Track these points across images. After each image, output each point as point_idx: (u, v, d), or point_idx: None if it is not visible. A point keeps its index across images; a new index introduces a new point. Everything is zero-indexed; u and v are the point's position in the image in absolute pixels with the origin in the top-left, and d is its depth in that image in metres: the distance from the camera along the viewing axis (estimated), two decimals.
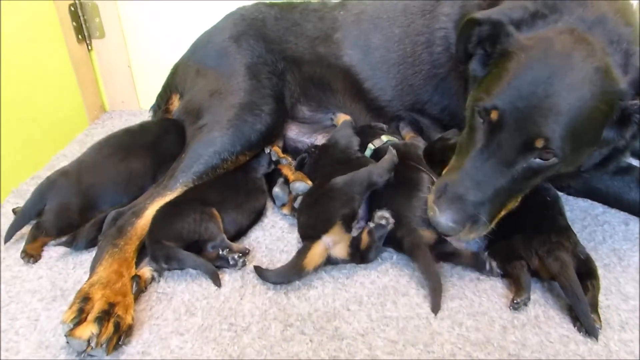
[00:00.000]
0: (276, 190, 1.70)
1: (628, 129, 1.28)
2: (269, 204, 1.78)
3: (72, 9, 2.37)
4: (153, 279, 1.44)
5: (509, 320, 1.29)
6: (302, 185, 1.68)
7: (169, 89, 2.09)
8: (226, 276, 1.45)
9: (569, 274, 1.26)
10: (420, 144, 1.77)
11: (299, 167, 1.82)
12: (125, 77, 2.60)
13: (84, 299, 1.26)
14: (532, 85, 1.23)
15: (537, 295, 1.36)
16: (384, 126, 1.89)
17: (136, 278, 1.38)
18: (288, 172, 1.77)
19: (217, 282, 1.41)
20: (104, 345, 1.18)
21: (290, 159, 1.85)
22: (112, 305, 1.25)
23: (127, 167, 1.71)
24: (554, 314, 1.31)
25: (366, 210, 1.54)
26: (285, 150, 1.94)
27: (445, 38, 1.71)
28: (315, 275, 1.44)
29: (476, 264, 1.43)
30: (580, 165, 1.41)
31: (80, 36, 2.43)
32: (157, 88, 2.16)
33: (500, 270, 1.40)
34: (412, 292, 1.39)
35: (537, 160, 1.26)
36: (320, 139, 1.98)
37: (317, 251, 1.41)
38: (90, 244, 1.54)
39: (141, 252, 1.49)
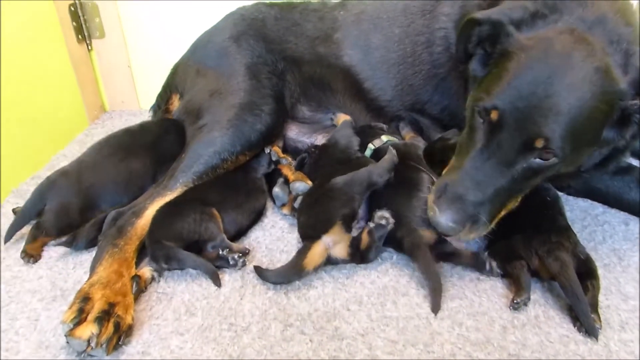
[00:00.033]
0: (276, 190, 1.70)
1: (628, 129, 1.28)
2: (269, 204, 1.78)
3: (72, 8, 2.37)
4: (153, 279, 1.44)
5: (509, 320, 1.29)
6: (302, 185, 1.68)
7: (169, 89, 2.09)
8: (226, 276, 1.45)
9: (569, 274, 1.26)
10: (420, 144, 1.77)
11: (299, 167, 1.82)
12: (125, 77, 2.60)
13: (84, 299, 1.25)
14: (532, 85, 1.23)
15: (537, 295, 1.36)
16: (384, 126, 1.89)
17: (136, 278, 1.38)
18: (288, 172, 1.77)
19: (217, 282, 1.41)
20: (104, 345, 1.18)
21: (290, 159, 1.85)
22: (112, 305, 1.25)
23: (127, 167, 1.70)
24: (554, 314, 1.31)
25: (366, 210, 1.54)
26: (285, 150, 1.94)
27: (445, 38, 1.71)
28: (315, 275, 1.44)
29: (476, 264, 1.43)
30: (581, 165, 1.41)
31: (80, 36, 2.43)
32: (157, 88, 2.16)
33: (500, 270, 1.40)
34: (412, 292, 1.39)
35: (537, 160, 1.26)
36: (320, 139, 1.98)
37: (317, 251, 1.41)
38: (90, 244, 1.54)
39: (141, 252, 1.49)
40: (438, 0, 1.76)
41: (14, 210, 1.68)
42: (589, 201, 1.76)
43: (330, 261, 1.44)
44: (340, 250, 1.43)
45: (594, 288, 1.30)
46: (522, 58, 1.28)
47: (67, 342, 1.19)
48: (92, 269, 1.40)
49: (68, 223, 1.56)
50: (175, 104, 2.04)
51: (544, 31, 1.32)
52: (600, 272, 1.36)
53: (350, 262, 1.46)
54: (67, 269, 1.50)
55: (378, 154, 1.68)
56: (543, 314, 1.31)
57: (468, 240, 1.49)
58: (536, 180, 1.36)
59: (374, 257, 1.48)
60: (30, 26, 2.10)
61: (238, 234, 1.61)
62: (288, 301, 1.37)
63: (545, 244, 1.34)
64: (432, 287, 1.35)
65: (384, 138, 1.76)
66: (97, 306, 1.24)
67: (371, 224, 1.42)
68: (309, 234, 1.45)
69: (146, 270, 1.44)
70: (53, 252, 1.56)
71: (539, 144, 1.22)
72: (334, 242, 1.42)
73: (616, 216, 1.69)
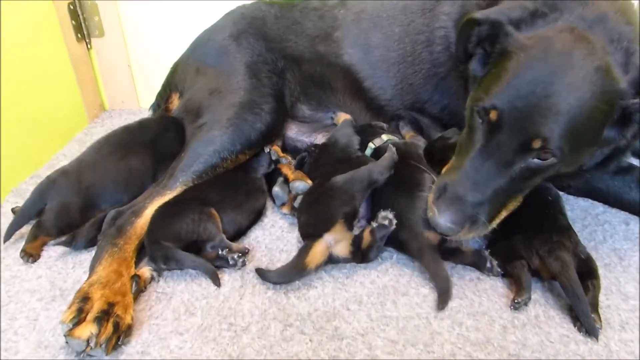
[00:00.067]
0: (276, 189, 1.70)
1: (629, 128, 1.28)
2: (269, 203, 1.77)
3: (71, 7, 2.36)
4: (152, 278, 1.44)
5: (509, 320, 1.29)
6: (301, 184, 1.67)
7: (169, 87, 2.09)
8: (225, 276, 1.45)
9: (570, 273, 1.26)
10: (421, 142, 1.76)
11: (299, 166, 1.82)
12: (125, 76, 2.60)
13: (83, 298, 1.25)
14: (531, 85, 1.22)
15: (537, 295, 1.36)
16: (384, 125, 1.88)
17: (135, 278, 1.38)
18: (288, 171, 1.77)
19: (217, 281, 1.41)
20: (103, 345, 1.18)
21: (290, 158, 1.84)
22: (111, 305, 1.25)
23: (127, 165, 1.70)
24: (554, 314, 1.31)
25: (367, 210, 1.54)
26: (284, 149, 1.94)
27: (445, 37, 1.71)
28: (315, 275, 1.44)
29: (478, 262, 1.42)
30: (582, 165, 1.41)
31: (79, 35, 2.43)
32: (157, 87, 2.15)
33: (501, 269, 1.40)
34: (412, 291, 1.39)
35: (536, 160, 1.25)
36: (320, 138, 1.98)
37: (319, 250, 1.40)
38: (90, 243, 1.54)
39: (141, 252, 1.49)
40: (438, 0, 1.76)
41: (13, 210, 1.68)
42: (590, 201, 1.76)
43: (331, 260, 1.44)
44: (342, 248, 1.43)
45: (595, 288, 1.29)
46: (521, 58, 1.27)
47: (66, 342, 1.19)
48: (92, 268, 1.40)
49: (68, 223, 1.56)
50: (175, 102, 2.04)
51: (543, 30, 1.31)
52: (601, 271, 1.36)
53: (352, 261, 1.46)
54: (67, 269, 1.50)
55: (378, 153, 1.68)
56: (543, 313, 1.31)
57: (467, 240, 1.48)
58: (536, 180, 1.35)
59: (375, 257, 1.47)
60: (29, 25, 2.09)
61: (237, 234, 1.60)
62: (288, 301, 1.37)
63: (546, 243, 1.34)
64: (440, 289, 1.35)
65: (384, 137, 1.75)
66: (96, 306, 1.24)
67: (374, 224, 1.41)
68: (310, 233, 1.45)
69: (145, 270, 1.43)
70: (52, 252, 1.56)
71: (537, 144, 1.21)
72: (335, 240, 1.42)
73: (617, 216, 1.69)
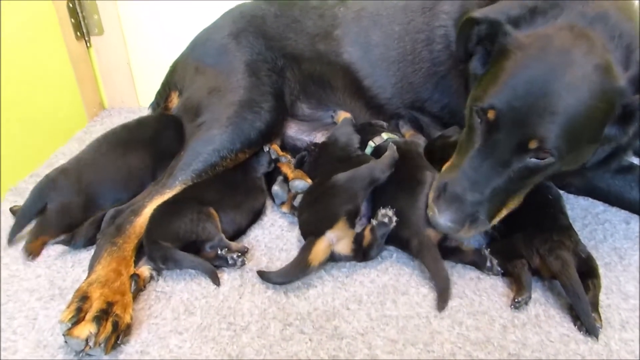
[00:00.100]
0: (275, 188, 1.70)
1: (630, 125, 1.27)
2: (268, 202, 1.77)
3: (71, 5, 2.35)
4: (152, 277, 1.43)
5: (509, 320, 1.29)
6: (301, 183, 1.67)
7: (168, 86, 2.08)
8: (225, 275, 1.45)
9: (570, 273, 1.26)
10: (421, 141, 1.76)
11: (299, 165, 1.82)
12: (124, 75, 2.59)
13: (82, 297, 1.25)
14: (528, 84, 1.21)
15: (537, 294, 1.36)
16: (384, 124, 1.88)
17: (135, 277, 1.38)
18: (287, 170, 1.76)
19: (216, 281, 1.40)
20: (102, 345, 1.17)
21: (289, 157, 1.84)
22: (110, 305, 1.24)
23: (126, 163, 1.70)
24: (555, 313, 1.30)
25: (368, 208, 1.53)
26: (284, 148, 1.93)
27: (446, 36, 1.70)
28: (315, 274, 1.44)
29: (478, 261, 1.42)
30: (584, 162, 1.40)
31: (78, 33, 2.42)
32: (157, 85, 2.14)
33: (501, 268, 1.39)
34: (411, 291, 1.39)
35: (534, 160, 1.25)
36: (319, 137, 1.97)
37: (321, 247, 1.40)
38: (89, 242, 1.53)
39: (140, 251, 1.49)
40: None
41: (11, 210, 1.68)
42: (590, 200, 1.76)
43: (333, 258, 1.43)
44: (344, 246, 1.43)
45: (595, 287, 1.29)
46: (519, 57, 1.26)
47: (65, 342, 1.19)
48: (91, 267, 1.40)
49: (70, 222, 1.56)
50: (175, 101, 2.03)
51: (543, 28, 1.30)
52: (601, 271, 1.35)
53: (353, 259, 1.46)
54: (66, 268, 1.49)
55: (378, 152, 1.67)
56: (543, 313, 1.31)
57: (468, 238, 1.48)
58: (535, 179, 1.35)
59: (376, 255, 1.47)
60: (28, 23, 2.08)
61: (237, 233, 1.60)
62: (287, 300, 1.36)
63: (547, 242, 1.34)
64: (440, 288, 1.34)
65: (384, 136, 1.75)
66: (95, 305, 1.23)
67: (374, 222, 1.41)
68: (312, 231, 1.44)
69: (145, 269, 1.43)
70: (52, 251, 1.55)
71: (533, 145, 1.21)
72: (338, 237, 1.41)
73: (617, 215, 1.68)
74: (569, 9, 1.31)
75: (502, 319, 1.29)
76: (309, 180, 1.68)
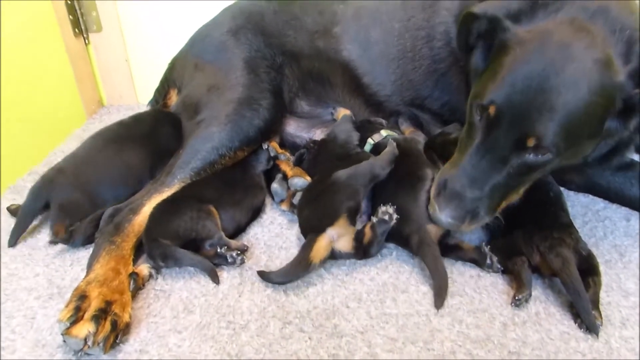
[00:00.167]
0: (274, 186, 1.69)
1: (631, 119, 1.26)
2: (268, 200, 1.76)
3: (69, 2, 2.34)
4: (151, 276, 1.43)
5: (509, 317, 1.28)
6: (300, 181, 1.66)
7: (167, 83, 2.07)
8: (224, 273, 1.44)
9: (571, 270, 1.25)
10: (420, 138, 1.75)
11: (298, 163, 1.81)
12: (123, 71, 2.59)
13: (81, 297, 1.24)
14: (527, 80, 1.21)
15: (537, 291, 1.35)
16: (383, 121, 1.87)
17: (134, 275, 1.37)
18: (286, 167, 1.75)
19: (216, 279, 1.40)
20: (101, 344, 1.17)
21: (288, 154, 1.83)
22: (109, 303, 1.24)
23: (123, 159, 1.69)
24: (555, 311, 1.30)
25: (369, 205, 1.53)
26: (283, 145, 1.93)
27: (446, 33, 1.69)
28: (314, 272, 1.43)
29: (478, 258, 1.42)
30: (586, 157, 1.39)
31: (77, 30, 2.41)
32: (155, 82, 2.14)
33: (501, 266, 1.39)
34: (411, 289, 1.38)
35: (532, 156, 1.25)
36: (318, 134, 1.97)
37: (322, 244, 1.39)
38: (87, 240, 1.52)
39: (139, 249, 1.48)
40: None
41: (8, 209, 1.67)
42: (590, 197, 1.75)
43: (334, 255, 1.43)
44: (345, 243, 1.42)
45: (596, 285, 1.29)
46: (518, 52, 1.25)
47: (64, 341, 1.18)
48: (89, 266, 1.39)
49: (78, 220, 1.54)
50: (173, 98, 2.03)
51: (543, 23, 1.30)
52: (601, 268, 1.35)
53: (354, 256, 1.45)
54: (64, 267, 1.49)
55: (377, 149, 1.67)
56: (544, 310, 1.30)
57: (470, 234, 1.48)
58: (535, 175, 1.35)
59: (376, 252, 1.47)
60: (26, 20, 2.07)
61: (236, 231, 1.59)
62: (287, 298, 1.36)
63: (547, 240, 1.34)
64: (437, 285, 1.34)
65: (384, 133, 1.75)
66: (94, 304, 1.23)
67: (374, 219, 1.41)
68: (313, 228, 1.43)
69: (144, 268, 1.42)
70: (50, 250, 1.55)
71: (531, 142, 1.21)
72: (338, 235, 1.41)
73: (617, 212, 1.68)
74: (570, 3, 1.30)
75: (502, 317, 1.29)
76: (308, 178, 1.67)
